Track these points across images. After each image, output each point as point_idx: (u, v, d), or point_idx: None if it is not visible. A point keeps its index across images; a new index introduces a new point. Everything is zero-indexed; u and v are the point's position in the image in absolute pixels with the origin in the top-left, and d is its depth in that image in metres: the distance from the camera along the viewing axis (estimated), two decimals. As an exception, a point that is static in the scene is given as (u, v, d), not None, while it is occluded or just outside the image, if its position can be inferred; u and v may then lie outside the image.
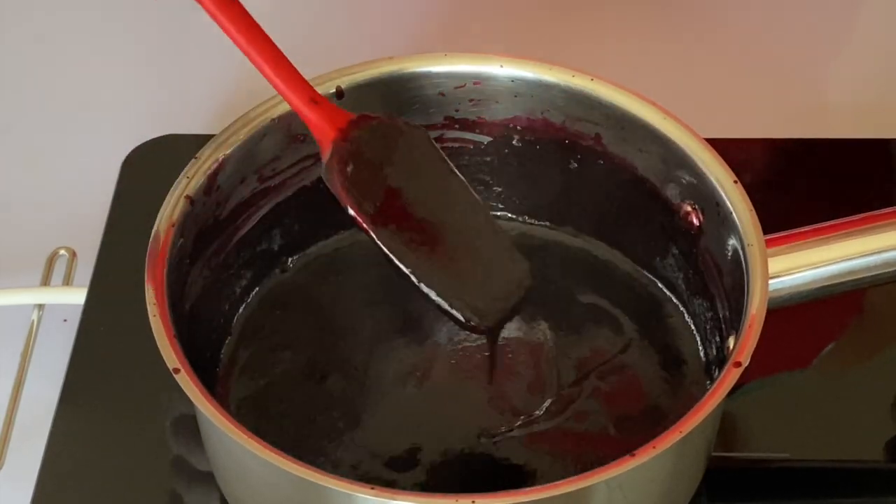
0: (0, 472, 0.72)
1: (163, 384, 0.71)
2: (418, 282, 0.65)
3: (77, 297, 0.78)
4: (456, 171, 0.68)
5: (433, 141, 0.68)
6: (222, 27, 0.64)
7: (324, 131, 0.66)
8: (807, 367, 0.75)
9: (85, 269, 0.79)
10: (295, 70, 0.66)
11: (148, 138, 0.85)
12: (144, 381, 0.73)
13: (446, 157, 0.68)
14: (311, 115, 0.66)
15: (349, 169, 0.65)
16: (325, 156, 0.66)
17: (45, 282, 0.79)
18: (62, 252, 0.81)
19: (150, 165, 0.83)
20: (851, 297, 0.75)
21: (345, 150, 0.66)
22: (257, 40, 0.65)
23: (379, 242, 0.65)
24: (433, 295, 0.65)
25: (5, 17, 0.97)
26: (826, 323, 0.77)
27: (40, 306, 0.78)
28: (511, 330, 0.71)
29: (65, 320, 0.79)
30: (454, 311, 0.65)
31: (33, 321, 0.78)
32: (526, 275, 0.67)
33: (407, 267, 0.65)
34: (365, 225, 0.65)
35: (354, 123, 0.66)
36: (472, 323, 0.65)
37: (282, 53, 0.66)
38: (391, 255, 0.65)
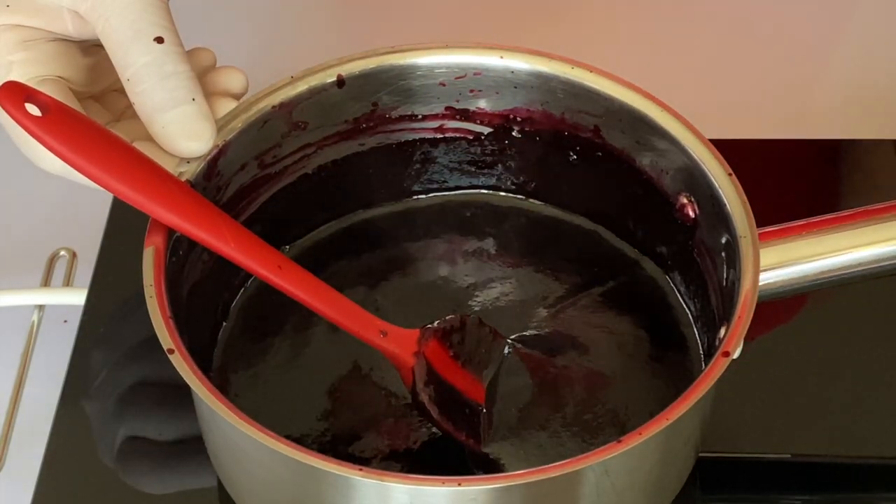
0: (0, 472, 0.72)
1: (162, 383, 0.73)
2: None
3: (77, 297, 0.78)
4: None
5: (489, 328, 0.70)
6: (294, 296, 0.65)
7: (402, 360, 0.67)
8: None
9: (85, 270, 0.79)
10: (358, 309, 0.67)
11: (148, 138, 0.85)
12: (144, 381, 0.73)
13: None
14: (388, 346, 0.66)
15: (431, 388, 0.67)
16: (408, 380, 0.67)
17: (46, 282, 0.80)
18: (62, 253, 0.81)
19: (151, 165, 0.83)
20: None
21: (423, 371, 0.66)
22: (327, 298, 0.66)
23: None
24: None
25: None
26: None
27: (41, 307, 0.79)
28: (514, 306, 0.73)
29: (65, 321, 0.79)
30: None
31: (33, 322, 0.78)
32: None
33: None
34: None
35: (424, 340, 0.67)
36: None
37: (344, 298, 0.67)
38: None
